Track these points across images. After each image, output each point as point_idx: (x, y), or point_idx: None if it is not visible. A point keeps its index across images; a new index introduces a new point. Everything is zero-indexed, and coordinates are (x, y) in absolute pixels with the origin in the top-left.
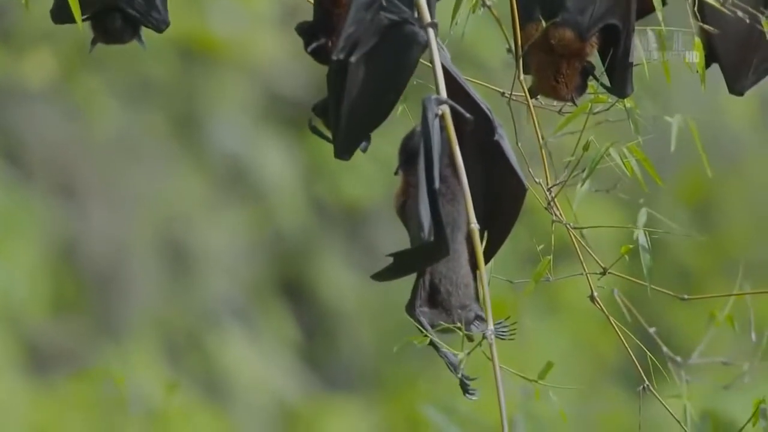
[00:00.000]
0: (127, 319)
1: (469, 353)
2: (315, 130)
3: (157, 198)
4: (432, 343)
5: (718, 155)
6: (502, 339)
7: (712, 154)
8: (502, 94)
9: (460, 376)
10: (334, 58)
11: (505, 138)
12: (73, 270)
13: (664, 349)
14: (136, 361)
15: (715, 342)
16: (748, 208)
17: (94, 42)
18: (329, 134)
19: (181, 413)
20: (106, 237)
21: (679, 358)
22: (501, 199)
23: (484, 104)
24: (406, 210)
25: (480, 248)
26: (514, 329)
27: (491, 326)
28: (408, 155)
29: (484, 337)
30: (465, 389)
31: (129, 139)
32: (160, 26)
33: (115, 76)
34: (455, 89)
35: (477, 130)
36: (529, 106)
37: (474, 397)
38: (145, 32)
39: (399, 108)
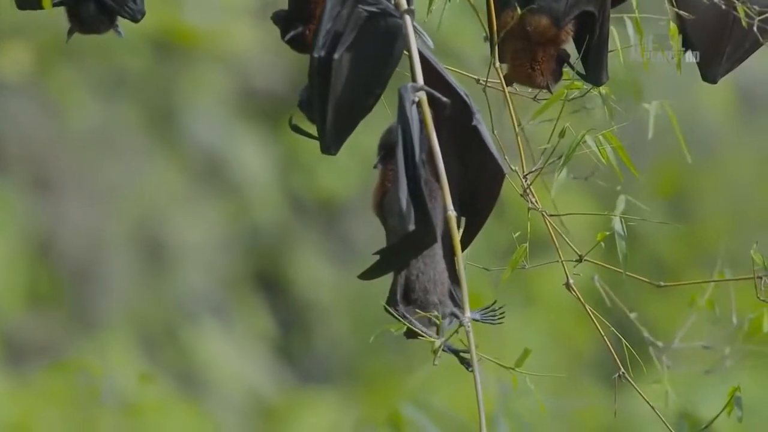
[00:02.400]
0: (102, 313)
1: (446, 340)
2: (296, 129)
3: (132, 191)
4: (409, 330)
5: (694, 146)
6: (492, 324)
7: (689, 144)
8: (477, 80)
9: (438, 357)
10: (316, 55)
11: (482, 123)
12: (49, 263)
13: (645, 333)
14: (112, 354)
15: (692, 331)
16: (723, 199)
17: (70, 32)
18: (311, 131)
19: (156, 406)
20: (82, 230)
21: (660, 343)
22: (479, 185)
23: (461, 90)
24: (384, 205)
25: (457, 235)
26: (503, 314)
27: (468, 313)
28: (388, 150)
29: (461, 324)
30: (465, 365)
31: (104, 132)
32: (135, 16)
33: (90, 69)
34: (432, 76)
35: (454, 116)
36: (505, 93)
37: (474, 370)
38: (121, 24)
39: None
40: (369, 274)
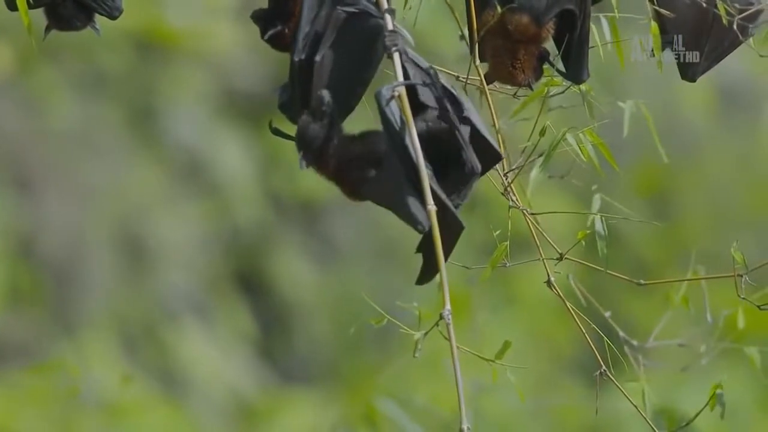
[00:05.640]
0: (83, 312)
1: (426, 333)
2: (277, 132)
3: (113, 191)
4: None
5: (674, 145)
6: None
7: (669, 144)
8: (457, 78)
9: (419, 350)
10: (296, 59)
11: (472, 110)
12: (29, 263)
13: (621, 333)
14: (92, 354)
15: (669, 329)
16: (704, 199)
17: (47, 29)
18: (293, 133)
19: (136, 406)
20: (62, 230)
21: (635, 342)
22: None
23: (447, 83)
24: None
25: (437, 230)
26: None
27: (448, 306)
28: (307, 145)
29: (441, 318)
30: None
31: (85, 131)
32: (113, 13)
33: (71, 68)
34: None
35: (442, 109)
36: (484, 91)
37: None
38: (102, 23)
39: None
40: (423, 278)
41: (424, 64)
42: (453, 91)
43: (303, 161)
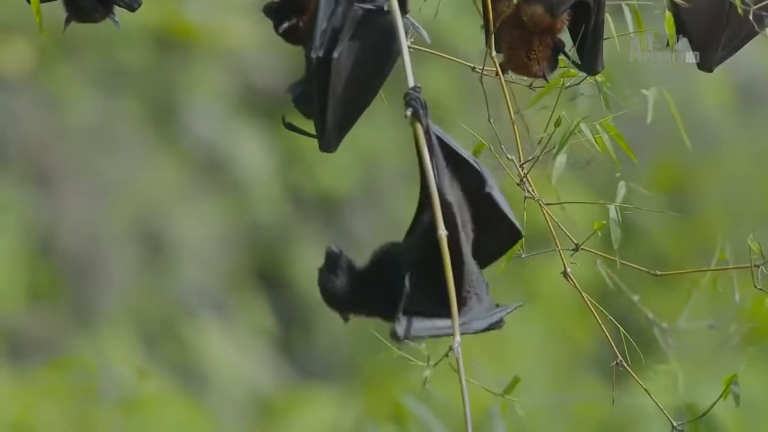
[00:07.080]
0: (102, 308)
1: (436, 364)
2: (291, 127)
3: (132, 187)
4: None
5: (693, 141)
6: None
7: (687, 139)
8: (473, 68)
9: (428, 382)
10: (314, 56)
11: (495, 188)
12: (49, 259)
13: (650, 315)
14: (112, 349)
15: (691, 319)
16: (722, 194)
17: (67, 21)
18: (305, 128)
19: (154, 402)
20: (82, 226)
21: (665, 324)
22: (493, 245)
23: (471, 158)
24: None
25: (448, 257)
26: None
27: (458, 338)
28: (336, 301)
29: (450, 348)
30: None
31: (104, 127)
32: (132, 5)
33: (90, 64)
34: (444, 149)
35: (466, 182)
36: (501, 82)
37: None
38: (121, 19)
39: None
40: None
41: (454, 142)
42: (479, 167)
43: (342, 316)
